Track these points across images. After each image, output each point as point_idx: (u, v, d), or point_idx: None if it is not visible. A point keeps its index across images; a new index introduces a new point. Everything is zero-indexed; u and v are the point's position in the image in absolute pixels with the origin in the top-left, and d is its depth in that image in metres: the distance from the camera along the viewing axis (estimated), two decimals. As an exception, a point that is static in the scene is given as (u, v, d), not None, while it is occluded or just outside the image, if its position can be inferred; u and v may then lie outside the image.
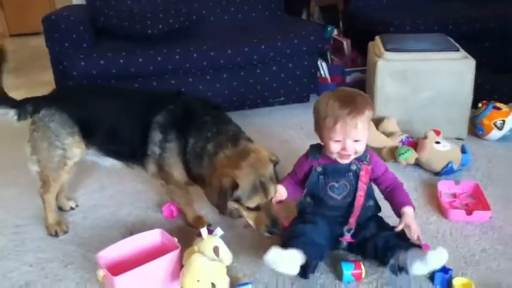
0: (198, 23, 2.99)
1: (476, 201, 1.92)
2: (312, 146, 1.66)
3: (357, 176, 1.57)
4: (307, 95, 3.12)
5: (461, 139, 2.42)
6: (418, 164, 2.19)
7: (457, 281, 1.44)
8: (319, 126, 1.55)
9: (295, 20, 3.37)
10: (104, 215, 1.93)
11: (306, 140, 2.47)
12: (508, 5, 3.30)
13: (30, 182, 1.91)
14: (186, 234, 1.68)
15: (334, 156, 1.55)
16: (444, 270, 1.46)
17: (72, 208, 1.97)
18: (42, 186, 1.79)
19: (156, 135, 1.66)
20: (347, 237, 1.55)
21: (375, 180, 1.63)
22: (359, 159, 1.57)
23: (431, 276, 1.47)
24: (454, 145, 2.16)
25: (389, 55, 2.41)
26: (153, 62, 2.61)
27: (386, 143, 2.26)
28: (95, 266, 1.51)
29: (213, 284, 1.38)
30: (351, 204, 1.57)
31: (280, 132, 2.70)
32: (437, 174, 2.12)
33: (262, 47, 2.77)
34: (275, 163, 1.60)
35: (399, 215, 1.56)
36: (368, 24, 3.18)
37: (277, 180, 1.62)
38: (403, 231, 1.53)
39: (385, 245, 1.46)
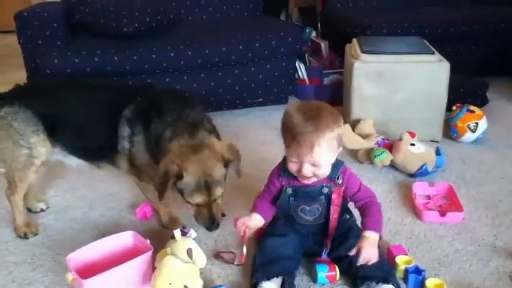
0: (176, 22, 2.97)
1: (450, 202, 1.94)
2: (284, 159, 1.51)
3: (329, 199, 1.49)
4: (285, 97, 3.12)
5: (436, 141, 2.45)
6: (393, 166, 2.20)
7: (430, 282, 1.44)
8: (284, 140, 1.43)
9: (274, 21, 3.38)
10: (75, 216, 1.89)
11: (282, 142, 2.48)
12: (482, 9, 3.37)
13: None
14: (159, 236, 1.66)
15: (295, 175, 1.44)
16: (417, 271, 1.47)
17: (42, 210, 1.92)
18: (9, 187, 1.73)
19: (125, 130, 1.62)
20: (324, 258, 1.51)
21: (350, 197, 1.54)
22: (330, 179, 1.47)
23: (405, 277, 1.47)
24: (429, 147, 2.18)
25: (365, 57, 2.43)
26: (129, 61, 2.57)
27: (362, 144, 2.27)
28: (65, 269, 1.46)
29: (185, 287, 1.36)
30: (325, 224, 1.52)
31: (257, 133, 2.68)
32: (412, 175, 2.14)
33: (240, 47, 2.76)
34: (227, 162, 1.55)
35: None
36: (345, 26, 3.20)
37: (239, 175, 1.62)
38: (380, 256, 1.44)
39: (358, 271, 1.41)
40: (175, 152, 1.50)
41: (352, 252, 1.41)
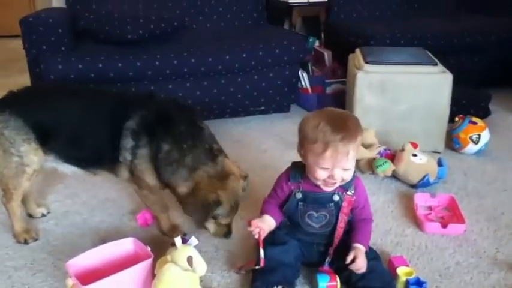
0: (180, 29, 2.98)
1: (452, 214, 1.93)
2: (293, 165, 1.54)
3: (338, 207, 1.48)
4: (287, 105, 3.12)
5: (438, 152, 2.45)
6: (395, 176, 2.20)
7: (431, 294, 1.44)
8: (305, 150, 1.42)
9: (277, 29, 3.39)
10: (76, 222, 1.88)
11: (285, 150, 2.49)
12: (483, 20, 3.38)
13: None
14: (159, 243, 1.65)
15: (319, 183, 1.44)
16: (419, 283, 1.46)
17: (43, 215, 1.92)
18: (4, 195, 1.72)
19: (128, 142, 1.61)
20: (326, 268, 1.50)
21: (353, 208, 1.53)
22: (343, 188, 1.47)
23: (406, 289, 1.47)
24: (431, 158, 2.18)
25: (368, 67, 2.43)
26: (132, 67, 2.57)
27: (364, 154, 2.27)
28: (65, 274, 1.46)
29: (185, 295, 1.36)
30: (330, 234, 1.51)
31: (259, 141, 2.68)
32: (413, 186, 2.14)
33: (244, 55, 2.77)
34: (245, 179, 1.71)
35: (350, 246, 1.48)
36: (349, 36, 3.21)
37: (245, 190, 1.73)
38: (378, 269, 1.47)
39: (359, 282, 1.42)
40: (206, 181, 1.60)
41: (349, 258, 1.42)
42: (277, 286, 1.39)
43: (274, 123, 2.97)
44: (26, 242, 1.73)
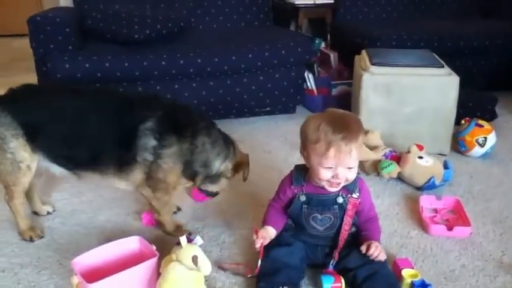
0: (186, 30, 2.99)
1: (457, 216, 1.93)
2: (296, 168, 1.56)
3: (343, 210, 1.49)
4: (293, 106, 3.12)
5: (443, 155, 2.44)
6: (400, 178, 2.19)
7: (436, 297, 1.43)
8: (308, 151, 1.42)
9: (284, 31, 3.39)
10: (82, 220, 1.89)
11: (290, 151, 2.49)
12: (491, 24, 3.38)
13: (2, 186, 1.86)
14: (164, 242, 1.65)
15: (323, 183, 1.44)
16: (424, 285, 1.46)
17: (48, 213, 1.93)
18: (6, 193, 1.72)
19: (149, 142, 1.61)
20: (330, 270, 1.50)
21: (357, 212, 1.54)
22: (347, 190, 1.48)
23: (411, 291, 1.46)
24: (437, 160, 2.17)
25: (374, 69, 2.43)
26: (139, 67, 2.59)
27: (369, 156, 2.26)
28: (70, 272, 1.47)
29: (190, 294, 1.36)
30: (334, 236, 1.52)
31: (264, 142, 2.68)
32: (419, 188, 2.13)
33: (250, 56, 2.78)
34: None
35: (362, 243, 1.50)
36: (355, 37, 3.21)
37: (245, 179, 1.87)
38: (383, 271, 1.46)
39: (363, 284, 1.42)
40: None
41: (363, 248, 1.45)
42: (282, 287, 1.39)
43: (280, 124, 2.97)
44: (31, 240, 1.74)
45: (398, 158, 2.23)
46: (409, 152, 2.18)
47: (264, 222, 1.57)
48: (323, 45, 3.55)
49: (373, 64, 2.45)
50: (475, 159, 2.44)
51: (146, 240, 1.53)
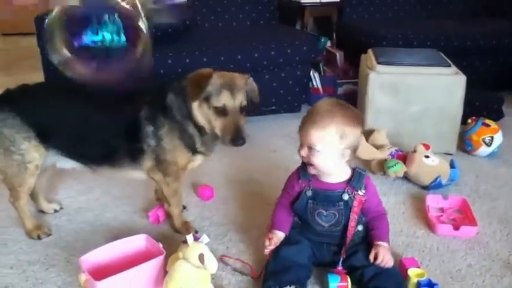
0: (192, 28, 2.99)
1: (464, 216, 1.92)
2: (304, 164, 1.56)
3: (348, 207, 1.49)
4: (298, 105, 3.12)
5: (450, 154, 2.43)
6: (406, 178, 2.19)
7: (442, 296, 1.43)
8: None
9: (289, 29, 3.39)
10: (88, 218, 1.90)
11: (294, 150, 2.46)
12: (497, 23, 3.36)
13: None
14: (171, 240, 1.66)
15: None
16: (430, 285, 1.45)
17: (56, 211, 1.94)
18: (11, 195, 1.73)
19: (148, 128, 1.65)
20: (338, 268, 1.50)
21: (364, 209, 1.54)
22: (353, 188, 1.49)
23: (417, 291, 1.46)
24: (443, 160, 2.17)
25: (381, 68, 2.43)
26: (145, 66, 2.59)
27: (375, 155, 2.26)
28: (77, 269, 1.48)
29: (196, 292, 1.36)
30: (341, 233, 1.52)
31: (270, 141, 2.69)
32: (425, 188, 2.13)
33: (256, 55, 2.78)
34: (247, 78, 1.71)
35: (372, 244, 1.51)
36: (361, 36, 3.20)
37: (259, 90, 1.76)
38: (390, 270, 1.46)
39: (370, 283, 1.43)
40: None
41: (371, 257, 1.45)
42: (290, 286, 1.40)
43: (285, 123, 2.96)
44: (39, 238, 1.75)
45: (404, 157, 2.22)
46: (415, 151, 2.18)
47: (273, 225, 1.58)
48: (329, 44, 3.54)
49: (379, 63, 2.45)
50: (482, 159, 2.43)
51: (153, 238, 1.54)
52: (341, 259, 1.51)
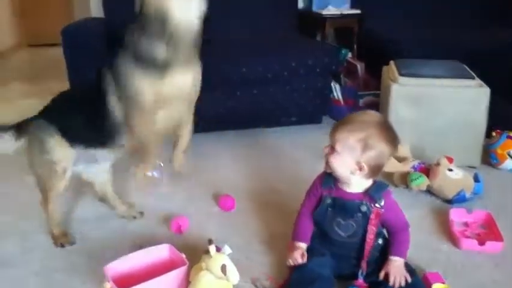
0: (212, 40, 3.02)
1: (489, 231, 1.89)
2: (326, 172, 1.56)
3: (366, 218, 1.48)
4: (319, 116, 3.12)
5: (474, 167, 2.40)
6: (429, 191, 2.16)
7: (468, 313, 1.40)
8: None
9: (310, 41, 3.40)
10: (113, 227, 1.93)
11: (316, 161, 2.46)
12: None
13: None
14: (194, 251, 1.66)
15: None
16: (455, 300, 1.43)
17: (134, 217, 1.99)
18: (42, 198, 1.79)
19: (107, 74, 1.60)
20: (360, 281, 1.49)
21: (384, 222, 1.53)
22: (372, 198, 1.48)
23: (442, 306, 1.44)
24: (467, 173, 2.14)
25: (403, 80, 2.41)
26: (167, 77, 2.62)
27: (397, 168, 2.25)
28: (101, 278, 1.49)
29: (219, 303, 1.37)
30: (359, 245, 1.51)
31: (290, 152, 2.69)
32: (449, 201, 2.10)
33: (276, 66, 2.79)
34: None
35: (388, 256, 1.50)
36: (382, 48, 3.19)
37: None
38: (414, 281, 1.46)
39: None
40: None
41: (381, 276, 1.44)
42: None
43: (306, 134, 2.97)
44: (62, 246, 1.79)
45: (427, 170, 2.20)
46: (438, 164, 2.16)
47: (297, 236, 1.58)
48: (349, 55, 3.54)
49: (401, 75, 2.44)
50: (507, 172, 2.39)
51: (176, 249, 1.55)
52: (360, 271, 1.49)
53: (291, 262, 1.52)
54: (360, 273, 1.49)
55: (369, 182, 1.50)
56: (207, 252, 1.46)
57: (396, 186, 2.23)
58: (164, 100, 1.57)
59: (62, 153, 1.73)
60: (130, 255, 1.52)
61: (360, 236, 1.51)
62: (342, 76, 3.29)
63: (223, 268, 1.42)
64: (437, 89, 2.37)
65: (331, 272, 1.51)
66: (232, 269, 1.45)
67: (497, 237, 1.80)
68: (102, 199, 2.02)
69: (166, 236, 1.84)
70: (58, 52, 2.72)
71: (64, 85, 2.82)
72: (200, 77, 1.68)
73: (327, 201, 1.52)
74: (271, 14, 3.41)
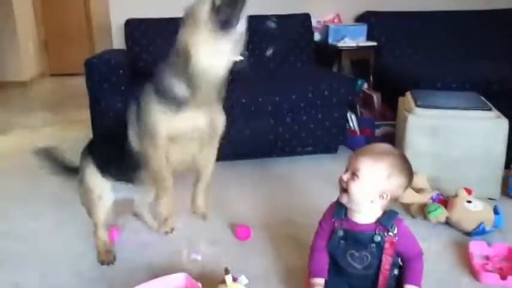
0: (231, 71, 3.08)
1: (511, 265, 1.85)
2: (338, 202, 1.55)
3: (380, 248, 1.46)
4: (335, 146, 3.13)
5: (493, 199, 2.36)
6: (448, 223, 2.13)
7: None
8: None
9: (326, 72, 3.44)
10: (129, 255, 1.93)
11: (332, 191, 2.45)
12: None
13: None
14: (210, 280, 1.66)
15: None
16: (477, 336, 1.40)
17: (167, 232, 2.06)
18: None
19: (132, 107, 1.64)
20: None
21: (398, 251, 1.50)
22: (384, 227, 1.46)
23: None
24: (487, 205, 2.11)
25: (420, 111, 2.42)
26: (186, 106, 2.68)
27: (415, 199, 2.23)
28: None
29: (235, 334, 1.35)
30: (375, 276, 1.48)
31: (306, 182, 2.69)
32: (468, 234, 2.06)
33: (293, 96, 2.83)
34: None
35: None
36: (399, 79, 3.21)
37: None
38: None
39: None
40: None
41: None
42: None
43: (322, 164, 2.97)
44: (102, 263, 1.85)
45: (445, 201, 2.18)
46: (456, 196, 2.13)
47: (313, 273, 1.55)
48: (365, 86, 3.57)
49: (418, 106, 2.44)
50: (527, 205, 2.35)
51: (192, 277, 1.55)
52: None
53: None
54: None
55: (380, 212, 1.48)
56: (224, 281, 1.46)
57: (414, 217, 2.20)
58: (177, 137, 1.58)
59: (96, 182, 1.80)
60: (146, 283, 1.52)
61: (376, 267, 1.48)
62: (358, 106, 3.31)
63: (240, 298, 1.42)
64: (454, 120, 2.37)
65: None
66: (248, 300, 1.44)
67: (520, 272, 1.76)
68: (136, 214, 2.13)
69: (183, 265, 1.84)
70: (80, 82, 2.81)
71: (85, 114, 2.91)
72: (223, 118, 1.70)
73: (339, 233, 1.50)
74: (288, 45, 3.48)
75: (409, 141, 2.42)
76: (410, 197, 2.23)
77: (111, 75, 2.70)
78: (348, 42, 3.51)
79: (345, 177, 1.45)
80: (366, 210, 1.47)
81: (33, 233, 2.11)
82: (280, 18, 3.47)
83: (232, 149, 2.86)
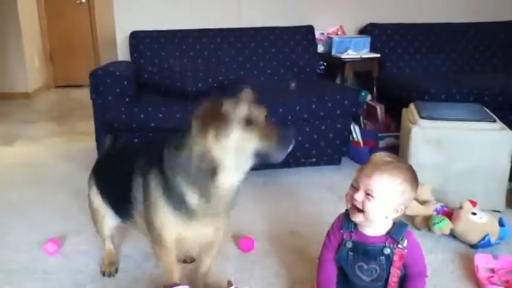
0: (236, 82, 3.09)
1: (516, 278, 1.83)
2: (346, 213, 1.53)
3: (389, 261, 1.45)
4: (338, 158, 3.12)
5: (498, 211, 2.35)
6: (452, 235, 2.12)
7: None
8: None
9: (330, 83, 3.45)
10: (130, 267, 1.93)
11: (336, 202, 2.47)
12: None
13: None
14: (213, 292, 1.66)
15: (349, 208, 1.46)
16: None
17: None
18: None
19: (139, 179, 1.53)
20: None
21: (405, 265, 1.48)
22: (394, 240, 1.44)
23: None
24: (492, 217, 2.09)
25: (424, 122, 2.42)
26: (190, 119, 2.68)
27: (420, 211, 2.21)
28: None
29: None
30: None
31: (309, 193, 2.68)
32: (473, 246, 2.05)
33: (297, 108, 2.83)
34: None
35: None
36: (402, 91, 3.22)
37: None
38: None
39: None
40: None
41: None
42: None
43: (325, 175, 2.96)
44: (104, 275, 1.86)
45: (450, 213, 2.16)
46: (461, 207, 2.12)
47: (321, 285, 1.54)
48: (369, 97, 3.57)
49: (422, 117, 2.44)
50: (533, 217, 2.33)
51: (195, 290, 1.54)
52: None
53: None
54: None
55: (390, 224, 1.47)
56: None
57: (418, 229, 2.19)
58: (184, 241, 1.54)
59: (100, 203, 1.82)
60: (150, 295, 1.51)
61: (384, 280, 1.47)
62: (361, 118, 3.31)
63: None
64: (458, 132, 2.36)
65: None
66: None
67: (526, 285, 1.74)
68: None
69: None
70: (84, 93, 2.82)
71: (89, 125, 2.92)
72: (228, 224, 1.63)
73: (348, 245, 1.49)
74: (292, 57, 3.50)
75: (413, 153, 2.41)
76: (415, 209, 2.22)
77: (115, 87, 2.72)
78: (351, 54, 3.52)
79: (359, 197, 1.41)
80: (378, 224, 1.46)
81: (35, 244, 2.10)
82: (283, 30, 3.51)
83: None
